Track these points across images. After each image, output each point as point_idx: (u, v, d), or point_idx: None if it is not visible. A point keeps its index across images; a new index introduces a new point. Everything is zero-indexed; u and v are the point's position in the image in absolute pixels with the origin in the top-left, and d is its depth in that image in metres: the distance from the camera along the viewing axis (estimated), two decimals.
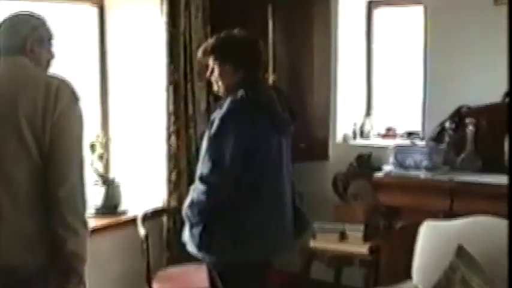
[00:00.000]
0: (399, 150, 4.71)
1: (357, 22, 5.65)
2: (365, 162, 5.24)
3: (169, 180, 4.79)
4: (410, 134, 5.27)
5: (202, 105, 4.93)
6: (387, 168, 4.74)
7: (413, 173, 4.60)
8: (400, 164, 4.68)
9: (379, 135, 5.63)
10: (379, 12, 5.72)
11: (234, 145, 3.27)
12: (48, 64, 2.91)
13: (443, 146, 4.74)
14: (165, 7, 4.67)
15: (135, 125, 5.01)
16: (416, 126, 5.41)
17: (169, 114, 4.75)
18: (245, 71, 3.45)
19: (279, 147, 3.46)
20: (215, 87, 3.56)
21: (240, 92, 3.33)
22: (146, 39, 4.91)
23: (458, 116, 4.86)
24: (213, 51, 3.50)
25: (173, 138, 4.77)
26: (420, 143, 4.82)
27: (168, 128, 4.76)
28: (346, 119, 5.61)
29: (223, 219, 3.31)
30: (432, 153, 4.61)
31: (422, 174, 4.56)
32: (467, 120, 4.71)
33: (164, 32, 4.69)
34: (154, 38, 4.81)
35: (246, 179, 3.29)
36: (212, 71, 3.52)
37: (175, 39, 4.71)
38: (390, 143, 5.18)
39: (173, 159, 4.78)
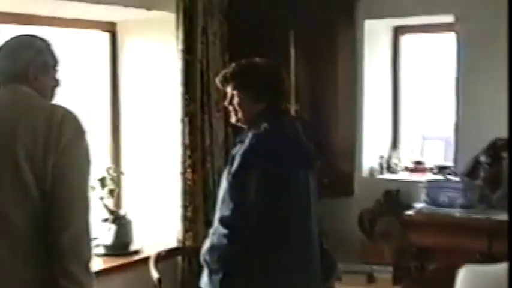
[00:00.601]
0: (431, 186, 4.41)
1: (383, 49, 5.35)
2: (393, 199, 4.92)
3: (184, 217, 4.48)
4: (441, 169, 4.93)
5: (220, 137, 4.63)
6: (418, 205, 4.43)
7: (447, 210, 4.29)
8: (432, 201, 4.38)
9: (407, 169, 5.30)
10: (406, 39, 5.41)
11: (257, 183, 3.00)
12: (52, 93, 2.62)
13: (478, 181, 4.41)
14: (180, 33, 4.39)
15: (149, 158, 4.74)
16: (447, 160, 5.09)
17: (184, 147, 4.46)
18: (267, 101, 3.21)
19: (306, 184, 3.19)
20: (233, 118, 3.31)
21: (263, 125, 3.08)
22: (161, 67, 4.67)
23: (494, 149, 4.55)
24: (233, 78, 3.26)
25: (189, 172, 4.46)
26: (454, 178, 4.48)
27: (184, 161, 4.46)
28: (372, 152, 5.30)
29: (246, 266, 3.00)
30: (467, 189, 4.32)
31: (457, 212, 4.28)
32: (503, 154, 4.38)
33: (179, 59, 4.41)
34: (169, 66, 4.55)
35: (271, 221, 3.00)
36: (231, 100, 3.27)
37: (191, 67, 4.43)
38: (419, 178, 4.94)
39: (189, 194, 4.47)
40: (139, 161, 4.77)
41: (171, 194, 4.52)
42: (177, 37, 4.41)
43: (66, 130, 2.36)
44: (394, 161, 5.33)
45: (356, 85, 5.13)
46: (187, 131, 4.45)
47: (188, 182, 4.47)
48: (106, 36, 4.76)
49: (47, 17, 4.22)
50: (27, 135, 2.31)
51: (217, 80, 3.37)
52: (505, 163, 4.36)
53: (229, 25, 4.70)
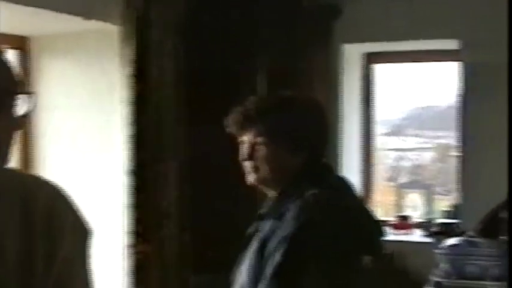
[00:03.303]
0: (455, 252, 3.46)
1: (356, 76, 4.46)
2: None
3: None
4: (442, 225, 4.01)
5: (174, 194, 3.47)
6: (436, 278, 3.47)
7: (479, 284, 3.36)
8: (458, 272, 3.42)
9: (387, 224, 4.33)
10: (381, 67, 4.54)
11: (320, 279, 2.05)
12: (9, 142, 1.42)
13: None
14: (128, 52, 3.22)
15: None
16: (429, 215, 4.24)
17: (134, 209, 3.27)
18: (309, 153, 2.23)
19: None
20: (252, 177, 2.26)
21: (310, 191, 2.13)
22: (97, 98, 3.52)
23: None
24: (261, 119, 2.22)
25: (139, 242, 3.29)
26: (476, 240, 3.57)
27: (134, 229, 3.27)
28: None
29: None
30: (503, 256, 3.40)
31: (490, 286, 3.34)
32: None
33: (129, 89, 3.24)
34: (109, 98, 3.40)
35: None
36: (252, 151, 2.22)
37: (143, 100, 3.27)
38: (405, 236, 4.02)
39: (140, 272, 3.27)
40: None
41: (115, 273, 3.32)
42: (124, 58, 3.23)
43: (63, 227, 1.37)
44: None
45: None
46: (135, 187, 3.26)
47: (138, 256, 3.27)
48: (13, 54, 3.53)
49: None
50: None
51: (230, 122, 2.28)
52: None
53: (185, 47, 3.58)
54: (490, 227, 3.75)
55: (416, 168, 5.53)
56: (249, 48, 3.72)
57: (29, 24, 3.32)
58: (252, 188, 2.31)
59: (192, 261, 3.64)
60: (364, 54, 4.47)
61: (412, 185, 4.89)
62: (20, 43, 3.56)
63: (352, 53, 4.32)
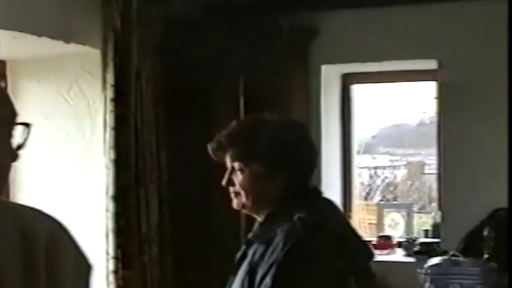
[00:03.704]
0: (438, 271, 3.44)
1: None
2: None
3: None
4: (424, 245, 3.99)
5: (154, 219, 3.42)
6: None
7: None
8: None
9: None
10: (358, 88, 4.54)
11: None
12: (5, 177, 1.40)
13: (492, 263, 3.52)
14: (109, 76, 3.18)
15: None
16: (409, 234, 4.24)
17: (116, 235, 3.21)
18: (289, 176, 2.17)
19: None
20: (235, 202, 2.23)
21: (296, 215, 2.07)
22: (78, 122, 3.40)
23: (497, 221, 3.71)
24: (234, 144, 2.20)
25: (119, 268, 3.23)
26: (459, 259, 3.56)
27: (115, 255, 3.21)
28: None
29: None
30: (486, 274, 3.40)
31: None
32: None
33: (110, 112, 3.19)
34: (89, 122, 3.32)
35: None
36: (230, 176, 2.20)
37: (123, 124, 3.25)
38: (388, 256, 4.01)
39: None
40: None
41: None
42: (103, 82, 3.19)
43: (64, 265, 1.32)
44: None
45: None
46: (117, 212, 3.21)
47: (120, 283, 3.21)
48: None
49: None
50: None
51: (210, 149, 2.25)
52: None
53: (163, 68, 3.55)
54: (473, 246, 3.75)
55: (390, 186, 5.54)
56: (228, 69, 3.70)
57: (6, 48, 3.26)
58: (234, 211, 2.29)
59: (173, 285, 3.60)
60: (342, 74, 4.47)
61: (391, 204, 4.88)
62: None
63: (330, 74, 4.29)
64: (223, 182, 2.20)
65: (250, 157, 2.15)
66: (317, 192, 2.30)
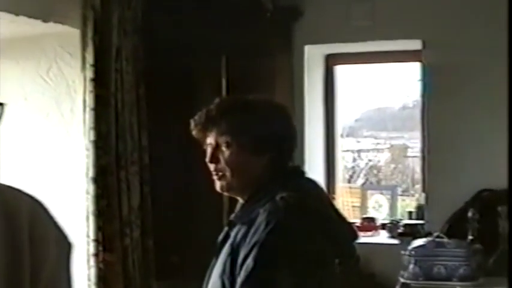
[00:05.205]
0: (422, 253, 3.42)
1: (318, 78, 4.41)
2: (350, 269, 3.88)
3: None
4: (408, 226, 3.98)
5: (136, 201, 3.37)
6: (404, 279, 3.43)
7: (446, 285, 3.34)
8: (425, 273, 3.39)
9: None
10: (341, 69, 4.49)
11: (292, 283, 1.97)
12: None
13: (477, 244, 3.51)
14: (89, 56, 3.12)
15: None
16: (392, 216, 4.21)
17: (96, 217, 3.15)
18: (273, 155, 2.15)
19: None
20: (219, 183, 2.17)
21: (279, 194, 2.04)
22: (56, 103, 3.33)
23: (481, 202, 3.70)
24: (222, 118, 2.15)
25: (100, 251, 3.18)
26: (442, 240, 3.54)
27: (96, 238, 3.16)
28: None
29: None
30: (471, 256, 3.38)
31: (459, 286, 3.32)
32: (499, 208, 3.52)
33: (90, 93, 3.13)
34: (68, 103, 3.26)
35: None
36: (214, 153, 2.14)
37: (103, 105, 3.18)
38: (371, 238, 4.00)
39: (102, 282, 3.17)
40: None
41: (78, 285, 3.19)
42: (83, 62, 3.13)
43: (47, 243, 1.25)
44: None
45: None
46: (97, 194, 3.16)
47: (100, 266, 3.16)
48: None
49: None
50: None
51: (193, 124, 2.20)
52: (502, 219, 3.51)
53: (144, 48, 3.49)
54: (457, 227, 3.73)
55: (374, 169, 5.52)
56: (210, 49, 3.64)
57: None
58: (216, 193, 2.25)
59: (155, 268, 3.55)
60: (325, 55, 4.42)
61: (375, 186, 4.86)
62: None
63: (313, 55, 4.24)
64: (207, 159, 2.14)
65: (239, 131, 2.11)
66: (300, 172, 2.27)
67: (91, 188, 3.15)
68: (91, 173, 3.14)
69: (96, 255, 3.15)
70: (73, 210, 3.24)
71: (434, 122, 3.99)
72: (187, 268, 3.50)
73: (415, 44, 3.98)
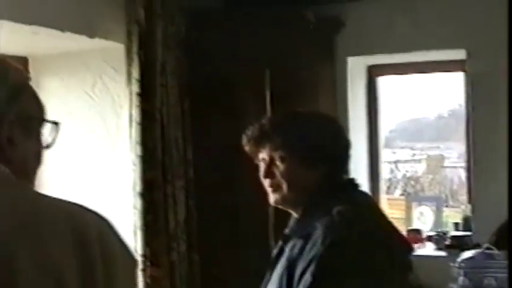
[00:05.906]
0: (471, 265, 3.37)
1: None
2: None
3: None
4: (455, 238, 3.92)
5: (182, 215, 3.37)
6: None
7: None
8: (476, 286, 3.34)
9: None
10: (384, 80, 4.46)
11: None
12: (36, 164, 1.36)
13: None
14: (135, 71, 3.12)
15: None
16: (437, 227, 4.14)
17: (144, 232, 3.15)
18: (327, 168, 2.16)
19: None
20: (273, 197, 2.17)
21: (335, 208, 2.03)
22: (102, 118, 3.33)
23: None
24: (275, 134, 2.14)
25: (148, 266, 3.17)
26: (492, 252, 3.48)
27: (144, 253, 3.15)
28: None
29: None
30: None
31: None
32: None
33: (136, 107, 3.13)
34: (114, 117, 3.26)
35: None
36: (269, 168, 2.14)
37: (149, 119, 3.18)
38: (419, 250, 4.00)
39: None
40: None
41: None
42: (128, 77, 3.13)
43: (111, 255, 1.28)
44: None
45: None
46: (144, 208, 3.15)
47: (148, 281, 3.16)
48: None
49: None
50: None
51: (246, 139, 2.19)
52: None
53: (188, 62, 3.49)
54: (505, 239, 3.67)
55: (411, 180, 5.47)
56: (253, 62, 3.63)
57: (28, 44, 3.20)
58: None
59: (201, 281, 3.54)
60: (368, 66, 4.39)
61: (420, 197, 4.80)
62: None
63: (356, 66, 4.22)
64: (262, 174, 2.15)
65: (294, 145, 2.11)
66: (354, 184, 2.25)
67: (138, 202, 3.14)
68: (138, 188, 3.14)
69: (144, 270, 3.14)
70: (120, 225, 3.22)
71: (478, 132, 3.94)
72: (231, 283, 3.48)
73: (458, 54, 3.94)
